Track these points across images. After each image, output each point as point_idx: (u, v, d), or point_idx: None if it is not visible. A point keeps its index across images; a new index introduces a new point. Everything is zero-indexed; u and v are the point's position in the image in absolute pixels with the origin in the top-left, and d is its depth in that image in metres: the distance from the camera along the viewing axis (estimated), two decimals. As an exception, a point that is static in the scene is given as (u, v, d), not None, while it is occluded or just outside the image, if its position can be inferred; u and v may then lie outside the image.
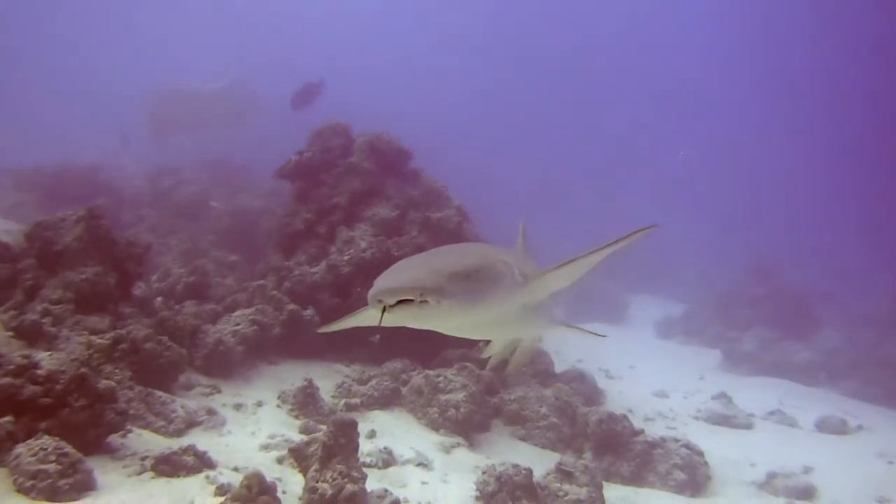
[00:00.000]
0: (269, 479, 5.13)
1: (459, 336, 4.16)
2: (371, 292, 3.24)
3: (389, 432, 7.79)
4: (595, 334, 5.10)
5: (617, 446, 8.12)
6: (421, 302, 3.16)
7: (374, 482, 5.97)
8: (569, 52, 58.39)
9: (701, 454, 8.17)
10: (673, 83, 55.45)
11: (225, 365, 8.55)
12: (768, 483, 8.42)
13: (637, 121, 54.77)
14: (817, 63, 45.26)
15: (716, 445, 9.29)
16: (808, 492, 8.28)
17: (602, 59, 58.78)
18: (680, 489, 7.79)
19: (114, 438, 5.87)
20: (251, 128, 26.12)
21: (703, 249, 30.35)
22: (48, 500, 4.72)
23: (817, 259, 27.45)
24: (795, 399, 13.17)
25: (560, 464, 6.83)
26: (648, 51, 58.53)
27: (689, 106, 54.53)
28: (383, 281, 3.28)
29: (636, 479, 7.93)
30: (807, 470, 9.00)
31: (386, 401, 8.60)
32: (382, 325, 3.36)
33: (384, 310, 3.21)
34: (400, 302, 3.17)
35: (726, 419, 11.06)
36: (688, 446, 8.18)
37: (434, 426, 8.17)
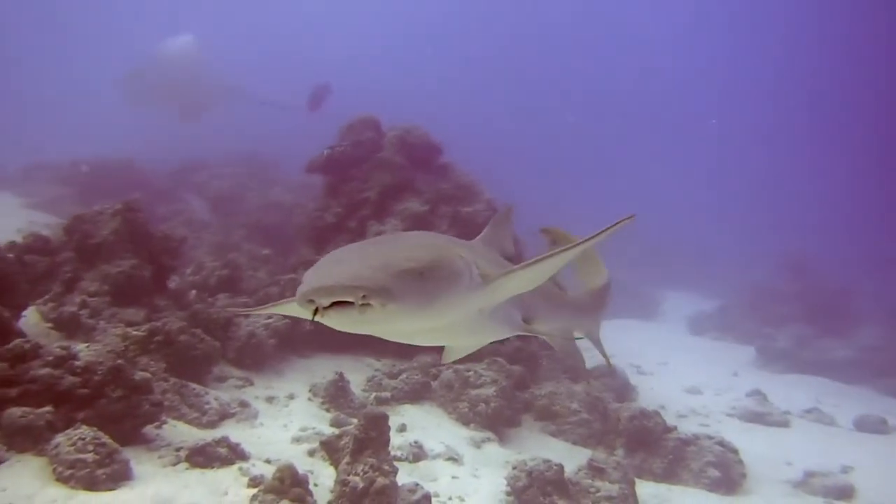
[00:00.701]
0: (300, 471, 5.17)
1: (400, 342, 3.55)
2: (301, 289, 2.63)
3: (420, 426, 7.80)
4: (568, 339, 4.68)
5: (649, 443, 8.04)
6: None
7: (404, 476, 5.98)
8: (589, 39, 58.00)
9: (735, 452, 8.05)
10: (706, 69, 54.91)
11: (257, 358, 8.63)
12: (805, 482, 8.28)
13: (668, 111, 54.26)
14: (849, 52, 44.26)
15: (750, 443, 9.15)
16: (846, 492, 8.13)
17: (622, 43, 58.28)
18: (714, 487, 7.69)
19: (149, 429, 5.95)
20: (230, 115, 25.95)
21: (737, 245, 29.91)
22: (86, 488, 4.81)
23: (854, 254, 26.89)
24: (833, 397, 12.94)
25: (592, 460, 6.79)
26: (676, 37, 57.85)
27: (719, 97, 53.92)
28: (317, 276, 2.64)
29: (669, 476, 7.84)
30: (845, 469, 8.83)
31: (416, 395, 8.62)
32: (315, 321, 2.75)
33: (316, 310, 2.61)
34: (336, 303, 2.57)
35: (761, 417, 10.89)
36: (722, 444, 8.07)
37: (464, 420, 8.16)
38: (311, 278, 2.65)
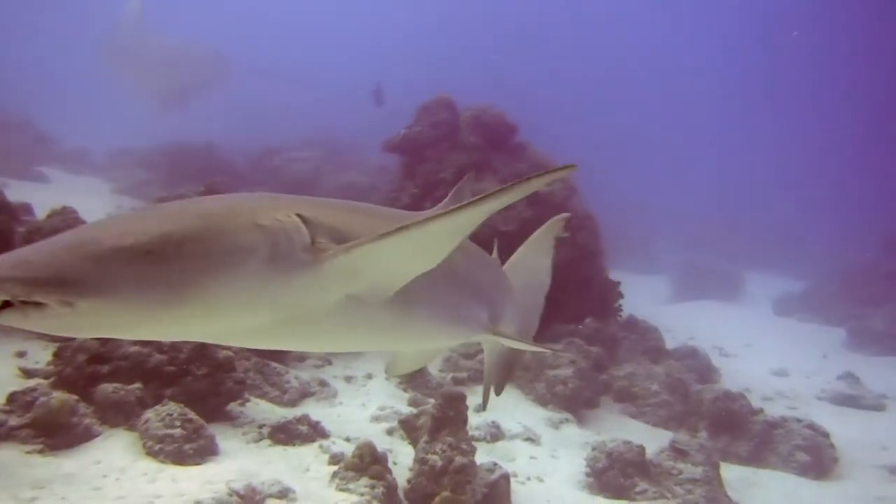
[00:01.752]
0: (379, 449, 5.21)
1: (254, 347, 2.61)
2: None
3: (497, 406, 7.72)
4: (545, 349, 3.91)
5: (734, 425, 7.80)
6: (27, 304, 1.78)
7: (482, 455, 5.97)
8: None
9: (826, 435, 7.74)
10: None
11: (336, 337, 8.74)
12: (903, 468, 7.88)
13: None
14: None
15: (843, 427, 8.77)
16: (948, 479, 7.69)
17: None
18: (803, 471, 7.40)
19: (233, 407, 6.10)
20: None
21: (824, 225, 28.66)
22: (175, 462, 4.96)
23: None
24: (933, 381, 12.26)
25: (674, 441, 6.63)
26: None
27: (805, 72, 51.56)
28: None
29: (755, 459, 7.60)
30: (947, 456, 8.36)
31: (493, 375, 8.57)
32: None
33: None
34: (7, 304, 1.78)
35: (854, 400, 10.43)
36: (811, 427, 7.77)
37: (542, 401, 8.09)
38: None
